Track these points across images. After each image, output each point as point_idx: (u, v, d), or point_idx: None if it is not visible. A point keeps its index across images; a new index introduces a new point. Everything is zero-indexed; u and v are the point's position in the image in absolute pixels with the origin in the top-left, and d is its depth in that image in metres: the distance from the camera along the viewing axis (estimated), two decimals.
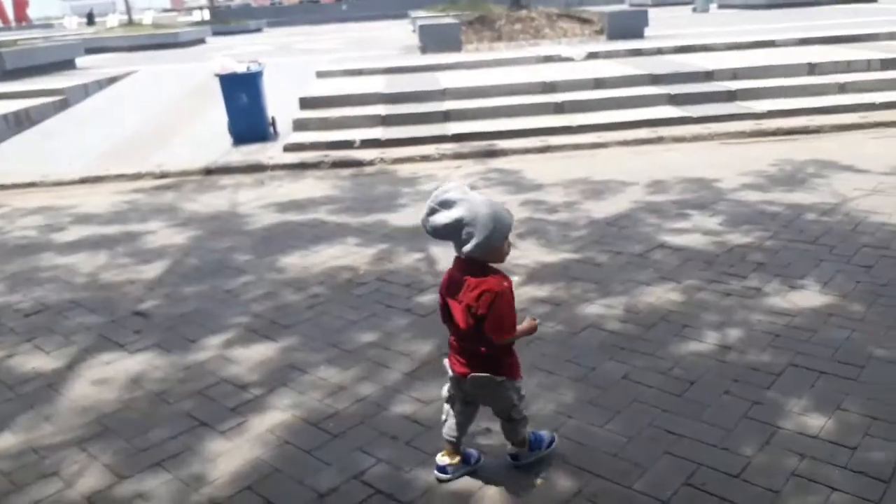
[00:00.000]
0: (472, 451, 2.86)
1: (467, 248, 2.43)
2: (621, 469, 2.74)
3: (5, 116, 10.65)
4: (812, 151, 7.42)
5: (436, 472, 2.78)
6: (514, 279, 4.53)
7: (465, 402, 2.72)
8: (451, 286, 2.56)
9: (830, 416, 2.97)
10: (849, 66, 10.19)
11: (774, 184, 6.35)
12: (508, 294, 2.50)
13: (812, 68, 10.10)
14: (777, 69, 10.06)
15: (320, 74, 12.05)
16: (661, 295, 4.25)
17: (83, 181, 8.38)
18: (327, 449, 3.01)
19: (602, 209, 5.92)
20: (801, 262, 4.58)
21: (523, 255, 5.02)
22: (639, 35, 13.67)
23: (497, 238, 2.45)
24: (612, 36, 13.68)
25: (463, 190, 2.45)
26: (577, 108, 9.35)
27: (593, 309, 4.13)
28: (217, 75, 9.32)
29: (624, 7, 14.58)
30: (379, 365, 3.68)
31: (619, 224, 5.55)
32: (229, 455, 3.02)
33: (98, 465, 3.01)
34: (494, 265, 2.55)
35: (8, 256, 5.87)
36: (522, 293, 4.40)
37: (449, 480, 2.75)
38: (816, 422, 2.93)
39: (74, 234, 6.36)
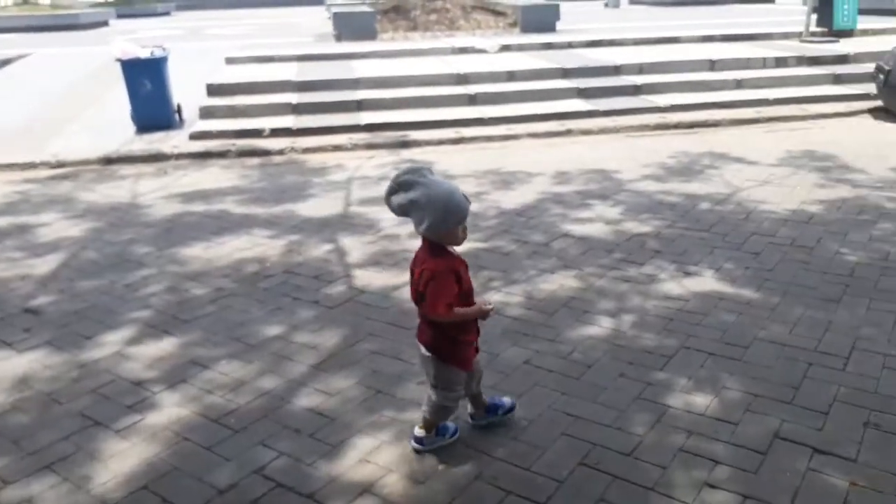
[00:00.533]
0: (449, 424, 2.91)
1: (420, 228, 2.57)
2: (520, 451, 2.82)
3: None
4: (710, 144, 7.78)
5: (412, 443, 2.86)
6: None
7: None
8: (414, 261, 2.72)
9: (716, 394, 3.14)
10: (747, 63, 10.71)
11: (673, 175, 6.63)
12: (446, 275, 2.58)
13: (713, 64, 10.56)
14: (680, 65, 10.48)
15: (230, 61, 11.70)
16: (563, 282, 4.37)
17: None
18: (227, 444, 2.96)
19: (511, 200, 6.03)
20: (695, 249, 4.81)
21: None
22: (551, 29, 13.93)
23: (449, 222, 2.54)
24: (526, 29, 13.88)
25: (421, 173, 2.53)
26: (490, 100, 9.46)
27: (498, 297, 4.21)
28: (118, 60, 8.92)
29: (537, 1, 14.77)
30: (283, 358, 3.63)
31: (527, 214, 5.66)
32: (124, 455, 2.92)
33: None
34: (452, 248, 2.66)
35: None
36: None
37: (424, 451, 2.83)
38: (703, 400, 3.10)
39: None
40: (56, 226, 5.92)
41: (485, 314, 2.73)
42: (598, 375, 3.33)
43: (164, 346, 3.83)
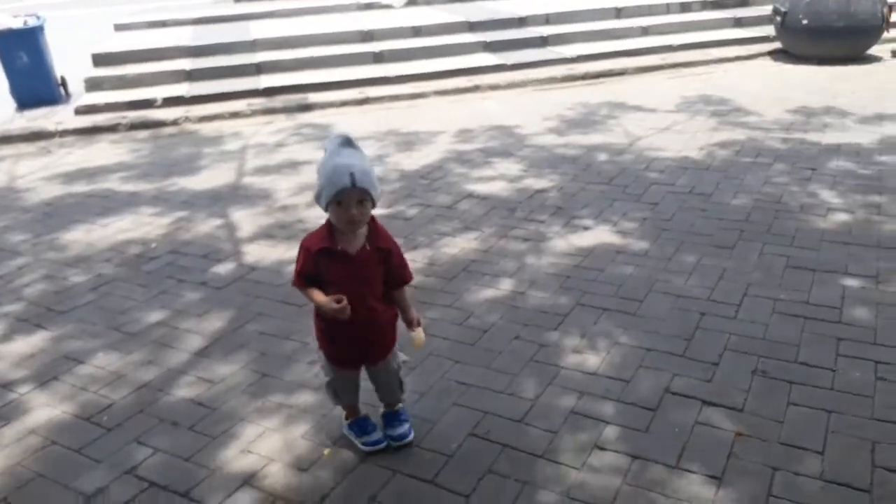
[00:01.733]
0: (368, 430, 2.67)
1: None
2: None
3: None
4: (615, 94, 7.76)
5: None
6: None
7: None
8: None
9: (609, 351, 3.11)
10: (650, 10, 10.71)
11: (575, 127, 6.57)
12: (302, 249, 2.43)
13: (619, 12, 10.52)
14: (585, 14, 10.39)
15: (119, 27, 10.98)
16: (464, 245, 4.26)
17: None
18: (99, 445, 2.75)
19: (414, 161, 5.86)
20: (595, 203, 4.77)
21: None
22: None
23: (321, 196, 2.30)
24: None
25: (331, 140, 2.33)
26: (396, 57, 9.17)
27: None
28: None
29: None
30: (165, 346, 3.41)
31: (431, 176, 5.51)
32: None
33: None
34: (337, 226, 2.36)
35: None
36: None
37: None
38: (595, 359, 3.06)
39: None
40: None
41: (331, 310, 2.33)
42: (492, 340, 3.25)
43: (36, 341, 3.54)
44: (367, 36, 9.70)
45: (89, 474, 2.60)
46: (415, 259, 4.12)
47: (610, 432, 2.62)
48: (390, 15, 10.96)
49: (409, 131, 6.72)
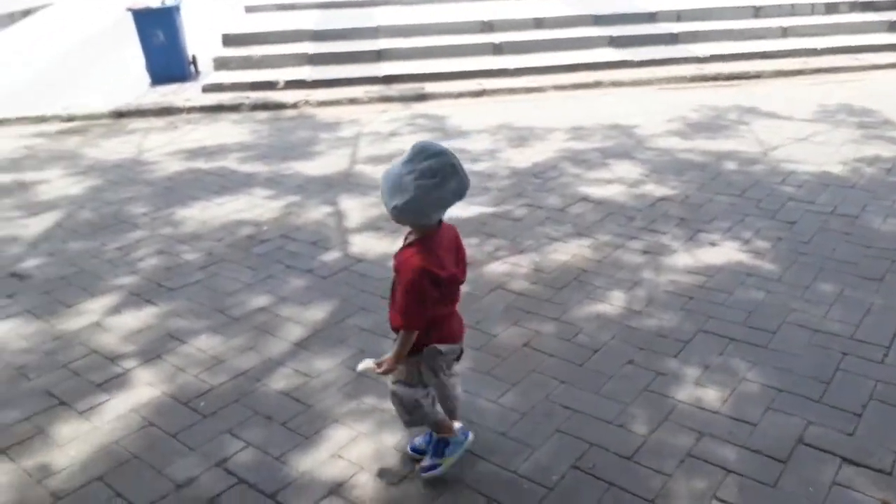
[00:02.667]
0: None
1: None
2: (508, 450, 2.53)
3: None
4: (749, 97, 7.22)
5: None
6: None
7: None
8: (457, 238, 2.39)
9: (734, 388, 2.80)
10: (793, 10, 9.95)
11: (704, 131, 6.14)
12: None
13: (757, 11, 9.83)
14: (721, 11, 9.77)
15: (249, 9, 11.31)
16: (576, 252, 4.02)
17: None
18: (194, 431, 2.74)
19: (527, 158, 5.64)
20: (723, 216, 4.40)
21: None
22: None
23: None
24: None
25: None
26: (516, 49, 8.95)
27: (503, 268, 3.89)
28: (129, 10, 8.62)
29: None
30: (266, 333, 3.38)
31: (543, 175, 5.28)
32: (84, 440, 2.72)
33: None
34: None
35: None
36: None
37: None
38: (718, 395, 2.76)
39: None
40: (57, 183, 5.73)
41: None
42: (603, 362, 3.01)
43: (145, 316, 3.61)
44: (487, 26, 9.52)
45: (182, 461, 2.58)
46: (520, 264, 3.93)
47: (731, 483, 2.34)
48: (513, 5, 10.72)
49: (523, 126, 6.50)
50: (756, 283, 3.60)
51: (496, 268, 3.90)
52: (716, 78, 8.07)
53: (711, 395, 2.75)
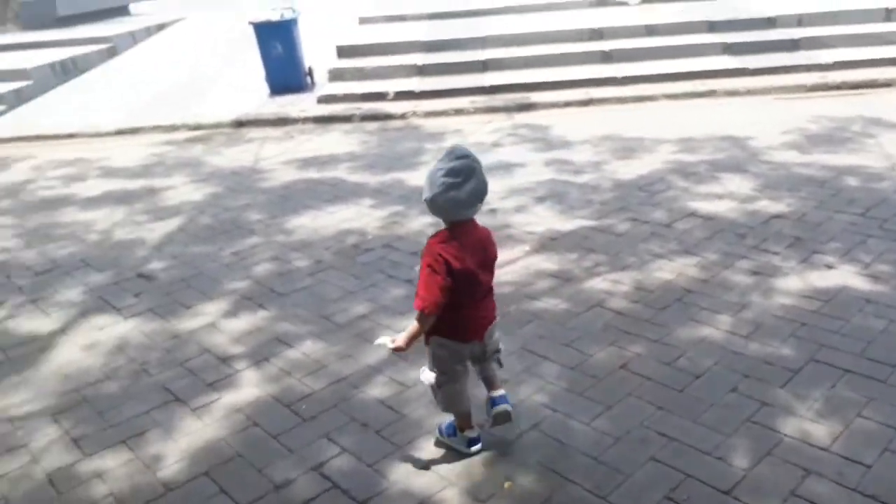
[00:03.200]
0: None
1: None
2: (599, 475, 2.49)
3: (52, 65, 10.74)
4: (874, 108, 6.75)
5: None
6: (525, 248, 4.31)
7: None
8: (487, 239, 2.55)
9: (847, 424, 2.63)
10: None
11: (824, 144, 5.79)
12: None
13: (888, 14, 9.16)
14: (848, 15, 9.16)
15: (363, 20, 11.67)
16: (681, 271, 3.89)
17: (119, 133, 8.40)
18: (294, 434, 2.86)
19: (632, 170, 5.52)
20: (843, 237, 4.13)
21: (538, 221, 4.72)
22: None
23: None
24: None
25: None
26: (626, 57, 8.77)
27: (603, 285, 3.82)
28: (251, 23, 9.11)
29: None
30: (366, 341, 3.48)
31: (649, 188, 5.15)
32: (195, 435, 2.90)
33: (66, 440, 2.94)
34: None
35: (32, 210, 5.90)
36: (529, 265, 4.12)
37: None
38: (830, 431, 2.60)
39: (99, 188, 6.35)
40: (182, 189, 6.13)
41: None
42: (705, 388, 2.90)
43: (256, 320, 3.81)
44: (597, 34, 9.38)
45: (281, 463, 2.70)
46: (621, 281, 3.85)
47: None
48: (624, 13, 10.51)
49: (630, 136, 6.36)
50: (876, 310, 3.36)
51: (595, 284, 3.84)
52: (839, 87, 7.60)
53: (821, 431, 2.60)
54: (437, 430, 2.75)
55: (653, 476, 2.46)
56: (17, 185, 6.65)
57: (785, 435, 2.59)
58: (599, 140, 6.37)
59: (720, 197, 4.85)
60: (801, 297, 3.53)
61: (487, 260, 2.49)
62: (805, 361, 3.01)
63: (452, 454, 2.66)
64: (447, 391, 2.58)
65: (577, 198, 5.10)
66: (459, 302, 2.40)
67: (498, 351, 2.66)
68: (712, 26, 9.22)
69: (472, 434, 2.65)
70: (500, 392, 2.64)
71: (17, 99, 9.80)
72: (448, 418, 2.71)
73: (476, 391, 2.74)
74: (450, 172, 2.30)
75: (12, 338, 3.84)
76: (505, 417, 2.62)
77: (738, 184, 5.06)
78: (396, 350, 2.44)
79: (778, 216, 4.48)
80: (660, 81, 8.05)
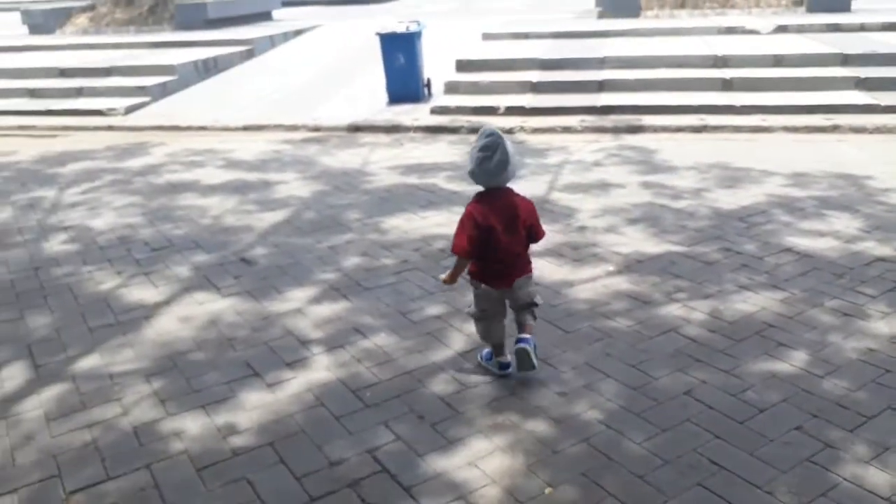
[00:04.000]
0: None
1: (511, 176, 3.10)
2: (641, 493, 2.48)
3: (195, 63, 11.65)
4: None
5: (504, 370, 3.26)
6: (608, 268, 4.30)
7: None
8: (514, 206, 3.11)
9: None
10: None
11: None
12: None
13: None
14: None
15: (486, 36, 11.91)
16: (765, 305, 3.76)
17: (246, 128, 9.00)
18: (355, 418, 3.01)
19: (735, 200, 5.35)
20: None
21: (626, 242, 4.69)
22: (845, 8, 12.06)
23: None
24: (813, 8, 12.18)
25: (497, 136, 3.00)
26: (748, 86, 8.49)
27: (681, 311, 3.76)
28: (377, 34, 9.52)
29: None
30: (435, 340, 3.61)
31: (749, 219, 4.98)
32: (266, 408, 3.12)
33: (154, 399, 3.23)
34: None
35: (159, 192, 6.45)
36: (608, 284, 4.11)
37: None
38: (891, 481, 2.46)
39: (220, 177, 6.86)
40: (292, 184, 6.52)
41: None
42: (768, 423, 2.81)
43: (339, 309, 4.02)
44: (721, 61, 9.13)
45: (339, 442, 2.86)
46: (699, 309, 3.77)
47: None
48: (752, 41, 10.17)
49: (739, 166, 6.17)
50: None
51: (673, 310, 3.78)
52: None
53: (882, 480, 2.46)
54: (477, 356, 3.38)
55: (696, 501, 2.42)
56: (151, 168, 7.28)
57: (842, 478, 2.48)
58: (706, 167, 6.22)
59: (822, 234, 4.63)
60: (891, 343, 3.33)
61: (515, 223, 3.05)
62: (882, 409, 2.86)
63: (498, 455, 2.72)
64: (483, 325, 3.24)
65: (671, 223, 5.02)
66: (485, 254, 3.05)
67: (533, 304, 3.19)
68: (846, 59, 8.76)
69: (503, 360, 3.25)
70: (525, 335, 3.14)
71: (162, 92, 10.70)
72: (487, 347, 3.32)
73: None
74: (483, 148, 2.96)
75: (123, 304, 4.24)
76: (524, 355, 3.09)
77: (846, 223, 4.81)
78: (445, 282, 3.23)
79: (882, 259, 4.23)
80: (780, 113, 7.74)
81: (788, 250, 4.44)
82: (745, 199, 5.37)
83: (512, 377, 3.24)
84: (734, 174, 5.99)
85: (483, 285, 3.15)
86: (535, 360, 3.11)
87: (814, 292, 3.87)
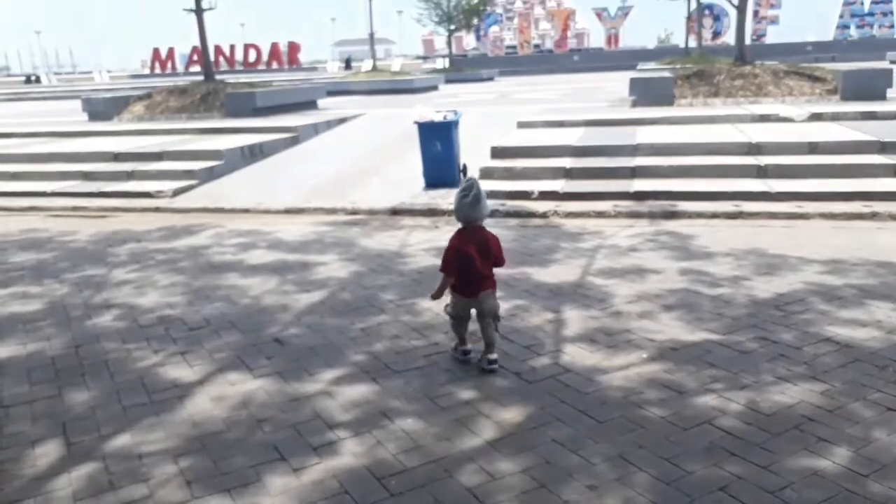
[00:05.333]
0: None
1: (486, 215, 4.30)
2: None
3: (242, 148, 12.14)
4: None
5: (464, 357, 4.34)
6: (642, 355, 4.24)
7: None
8: (486, 241, 4.24)
9: None
10: None
11: None
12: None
13: None
14: None
15: (521, 124, 12.23)
16: (804, 397, 3.65)
17: (287, 211, 9.26)
18: None
19: (771, 287, 5.28)
20: None
21: (661, 329, 4.63)
22: (880, 97, 12.12)
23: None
24: (847, 96, 12.28)
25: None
26: (783, 173, 8.50)
27: (716, 402, 3.66)
28: (416, 123, 9.85)
29: (865, 65, 13.01)
30: (463, 427, 3.56)
31: (786, 308, 4.89)
32: (290, 494, 3.09)
33: (181, 481, 3.23)
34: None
35: (202, 272, 6.62)
36: (642, 371, 4.05)
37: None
38: None
39: (261, 258, 7.02)
40: (331, 265, 6.64)
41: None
42: None
43: (367, 392, 4.01)
44: (755, 148, 9.19)
45: None
46: (735, 400, 3.67)
47: None
48: (787, 128, 10.24)
49: (775, 253, 6.11)
50: None
51: (708, 400, 3.69)
52: None
53: None
54: (451, 351, 4.45)
55: None
56: (196, 249, 7.50)
57: None
58: (742, 254, 6.17)
59: (864, 325, 4.52)
60: None
61: (486, 251, 4.16)
62: None
63: None
64: (454, 322, 4.34)
65: (708, 310, 4.95)
66: (462, 273, 4.14)
67: (495, 317, 4.20)
68: (884, 147, 8.74)
69: (465, 348, 4.37)
70: (491, 356, 4.20)
71: (209, 175, 11.13)
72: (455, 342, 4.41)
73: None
74: (463, 190, 4.10)
75: (158, 383, 4.30)
76: (493, 369, 4.17)
77: (888, 313, 4.69)
78: (433, 297, 4.27)
79: None
80: (817, 200, 7.70)
81: (828, 340, 4.33)
82: (782, 287, 5.29)
83: (533, 472, 3.16)
84: (771, 261, 5.93)
85: (456, 294, 4.24)
86: (494, 358, 4.21)
87: (855, 385, 3.75)
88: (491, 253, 4.15)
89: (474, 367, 4.28)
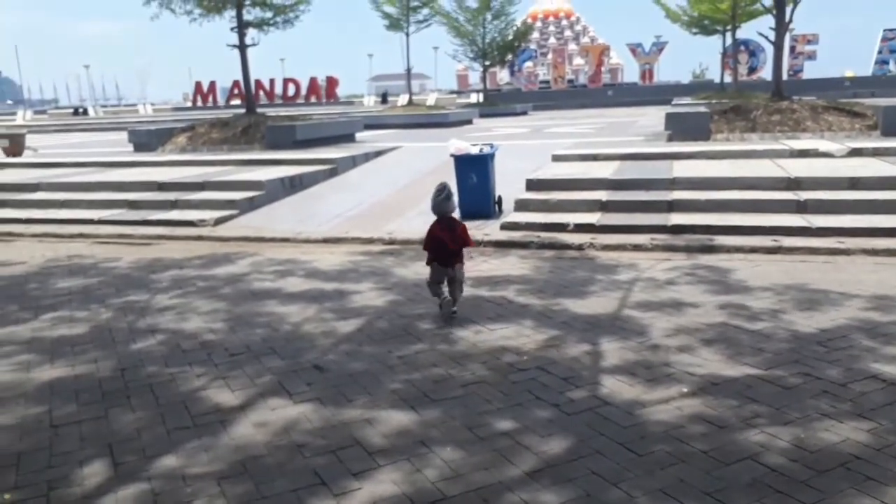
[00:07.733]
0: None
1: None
2: None
3: (282, 180, 12.39)
4: None
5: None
6: (682, 389, 4.21)
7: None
8: (453, 228, 5.90)
9: None
10: None
11: None
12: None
13: None
14: None
15: (556, 158, 12.29)
16: (850, 435, 3.59)
17: (325, 241, 9.40)
18: None
19: (813, 323, 5.21)
20: None
21: (700, 363, 4.59)
22: None
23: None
24: (888, 132, 12.12)
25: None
26: (823, 208, 8.40)
27: (760, 438, 3.62)
28: (452, 155, 9.98)
29: None
30: (502, 458, 3.57)
31: (829, 344, 4.82)
32: None
33: (224, 503, 3.29)
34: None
35: (243, 300, 6.75)
36: (682, 406, 4.01)
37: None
38: None
39: (300, 286, 7.13)
40: (367, 294, 6.71)
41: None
42: None
43: (406, 420, 4.04)
44: (794, 184, 9.11)
45: None
46: (779, 436, 3.62)
47: None
48: (826, 164, 10.14)
49: (817, 289, 6.03)
50: None
51: (751, 436, 3.65)
52: None
53: None
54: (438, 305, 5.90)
55: None
56: (237, 277, 7.65)
57: None
58: (782, 289, 6.10)
59: None
60: None
61: (454, 236, 5.76)
62: None
63: None
64: (432, 287, 5.84)
65: (748, 345, 4.90)
66: (438, 252, 5.74)
67: (462, 281, 5.85)
68: None
69: (440, 299, 5.80)
70: (454, 308, 5.80)
71: (250, 206, 11.37)
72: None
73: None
74: (437, 190, 5.81)
75: (202, 408, 4.38)
76: (447, 305, 5.77)
77: None
78: (427, 263, 5.87)
79: None
80: (858, 235, 7.59)
81: (874, 377, 4.26)
82: (824, 323, 5.22)
83: None
84: (812, 296, 5.86)
85: (435, 263, 5.78)
86: (455, 310, 5.79)
87: None
88: (458, 236, 5.76)
89: (512, 396, 4.28)
